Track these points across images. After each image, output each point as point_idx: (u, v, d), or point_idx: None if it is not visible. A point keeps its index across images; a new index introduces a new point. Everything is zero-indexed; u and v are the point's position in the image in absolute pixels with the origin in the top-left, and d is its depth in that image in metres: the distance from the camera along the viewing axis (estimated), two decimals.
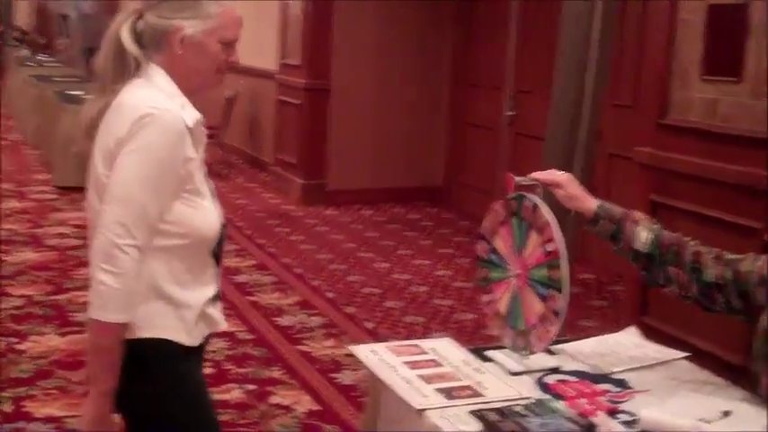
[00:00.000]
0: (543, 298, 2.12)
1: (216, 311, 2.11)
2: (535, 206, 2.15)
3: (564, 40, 3.12)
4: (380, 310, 5.12)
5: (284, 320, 4.84)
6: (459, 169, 8.03)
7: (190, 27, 1.99)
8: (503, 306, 2.28)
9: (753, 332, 2.06)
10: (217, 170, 9.25)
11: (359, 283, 5.62)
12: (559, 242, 2.07)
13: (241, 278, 5.58)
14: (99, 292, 1.89)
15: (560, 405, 1.98)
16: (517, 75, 7.21)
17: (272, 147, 8.79)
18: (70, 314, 4.75)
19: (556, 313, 2.09)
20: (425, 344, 2.37)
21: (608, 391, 2.09)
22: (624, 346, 2.40)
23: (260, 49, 9.51)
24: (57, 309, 4.83)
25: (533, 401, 2.00)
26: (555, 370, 2.21)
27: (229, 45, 2.05)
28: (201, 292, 2.06)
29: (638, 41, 4.78)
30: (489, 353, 2.30)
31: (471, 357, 2.27)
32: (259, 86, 9.55)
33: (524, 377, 2.17)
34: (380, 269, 5.95)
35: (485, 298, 2.36)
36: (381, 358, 2.24)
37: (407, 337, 4.63)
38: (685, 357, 2.33)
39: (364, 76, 7.86)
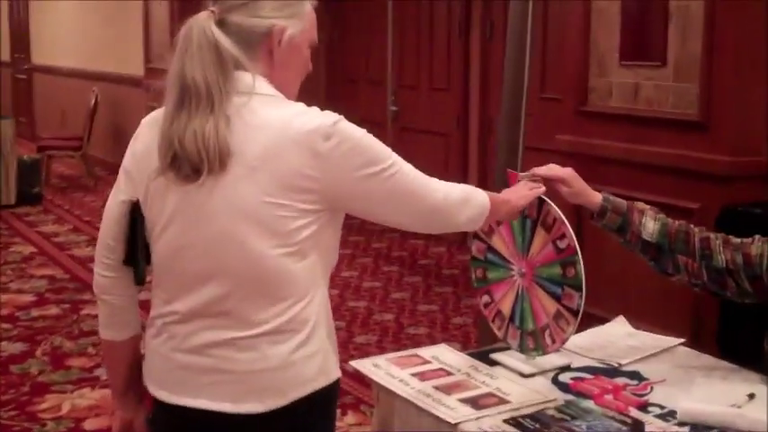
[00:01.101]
0: (556, 296, 2.07)
1: None
2: (542, 202, 2.09)
3: (510, 37, 3.08)
4: None
5: None
6: None
7: (291, 27, 1.72)
8: (505, 306, 2.21)
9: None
10: (84, 183, 8.87)
11: None
12: (573, 238, 2.02)
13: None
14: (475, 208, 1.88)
15: (591, 404, 1.94)
16: (398, 70, 7.18)
17: None
18: None
19: (572, 311, 2.04)
20: (425, 352, 2.28)
21: (627, 385, 2.06)
22: (620, 337, 2.38)
23: (123, 53, 9.14)
24: None
25: (563, 404, 1.95)
26: (567, 368, 2.16)
27: (310, 50, 1.81)
28: None
29: (559, 33, 4.78)
30: (494, 356, 2.23)
31: (478, 363, 2.19)
32: (122, 93, 9.18)
33: (538, 378, 2.12)
34: None
35: (483, 299, 2.29)
36: (388, 372, 2.14)
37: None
38: (682, 343, 2.34)
39: None
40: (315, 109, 1.69)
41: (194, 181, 1.63)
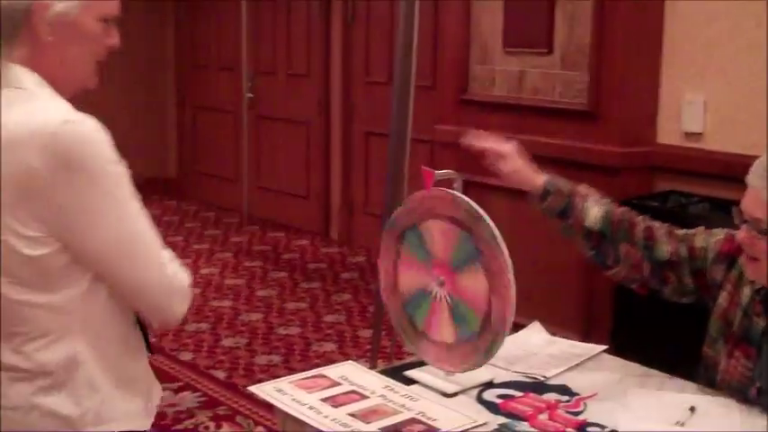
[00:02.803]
0: (479, 264, 1.82)
1: None
2: (416, 198, 1.93)
3: (401, 27, 2.86)
4: None
5: None
6: (196, 157, 7.55)
7: (59, 2, 1.50)
8: (448, 334, 1.96)
9: (707, 313, 1.94)
10: None
11: None
12: (456, 193, 1.85)
13: None
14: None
15: (527, 427, 1.75)
16: (253, 54, 6.86)
17: None
18: None
19: (502, 263, 1.79)
20: (331, 372, 2.03)
21: (559, 401, 1.88)
22: (539, 346, 2.21)
23: None
24: None
25: (496, 428, 1.75)
26: (490, 384, 1.97)
27: (108, 24, 1.59)
28: (142, 351, 1.65)
29: (433, 19, 4.57)
30: (410, 373, 2.01)
31: (393, 382, 1.96)
32: None
33: (461, 397, 1.91)
34: None
35: (427, 351, 2.02)
36: (294, 398, 1.88)
37: (197, 349, 4.21)
38: (605, 350, 2.19)
39: None
40: (63, 110, 1.47)
41: None
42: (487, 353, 1.90)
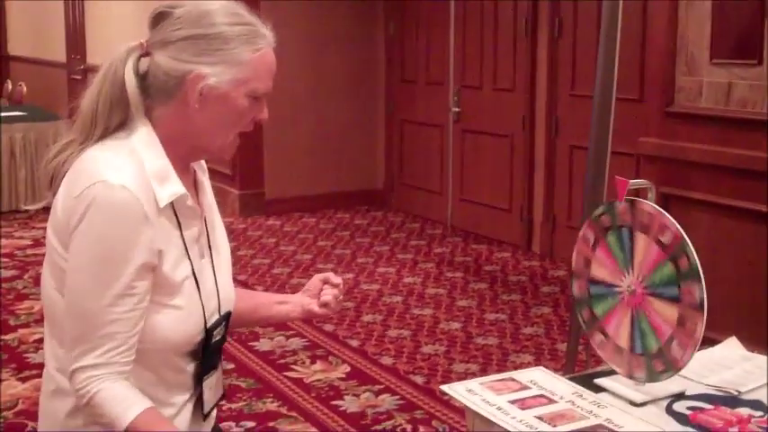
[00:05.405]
0: (674, 299, 1.85)
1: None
2: (632, 203, 1.90)
3: (603, 39, 2.87)
4: (360, 325, 4.81)
5: (262, 345, 4.49)
6: (402, 170, 7.77)
7: (214, 76, 1.59)
8: (623, 338, 1.98)
9: None
10: None
11: None
12: (676, 225, 1.82)
13: None
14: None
15: None
16: (460, 69, 6.99)
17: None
18: (25, 355, 4.29)
19: (695, 307, 1.81)
20: (521, 376, 2.08)
21: (751, 416, 1.85)
22: (734, 360, 2.17)
23: None
24: (8, 351, 4.36)
25: None
26: (681, 395, 1.96)
27: (259, 99, 1.65)
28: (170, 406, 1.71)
29: (640, 30, 4.53)
30: (600, 381, 2.03)
31: (581, 389, 1.99)
32: None
33: (651, 407, 1.92)
34: (345, 280, 5.62)
35: (596, 339, 2.06)
36: (484, 399, 1.95)
37: (398, 354, 4.35)
38: None
39: (296, 78, 7.51)
40: (119, 172, 1.56)
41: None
42: (653, 376, 1.91)
